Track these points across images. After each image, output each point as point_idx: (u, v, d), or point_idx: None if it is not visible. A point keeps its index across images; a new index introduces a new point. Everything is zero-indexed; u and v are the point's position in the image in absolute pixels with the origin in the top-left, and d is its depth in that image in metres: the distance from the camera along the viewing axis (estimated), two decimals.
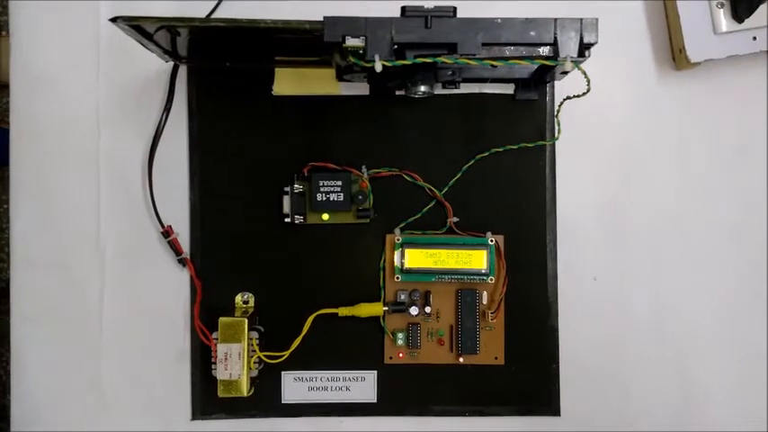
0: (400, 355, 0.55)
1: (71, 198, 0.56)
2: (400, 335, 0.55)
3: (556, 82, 0.56)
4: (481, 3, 0.50)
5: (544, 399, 0.56)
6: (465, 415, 0.56)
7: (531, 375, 0.56)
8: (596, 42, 0.43)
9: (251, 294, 0.55)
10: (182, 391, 0.56)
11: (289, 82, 0.56)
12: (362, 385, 0.56)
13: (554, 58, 0.43)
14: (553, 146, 0.56)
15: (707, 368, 0.57)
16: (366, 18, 0.41)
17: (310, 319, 0.53)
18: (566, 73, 0.51)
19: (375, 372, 0.56)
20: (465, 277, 0.54)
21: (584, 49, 0.43)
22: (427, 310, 0.55)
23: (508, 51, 0.44)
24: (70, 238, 0.56)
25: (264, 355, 0.52)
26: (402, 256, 0.54)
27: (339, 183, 0.54)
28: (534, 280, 0.56)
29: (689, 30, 0.54)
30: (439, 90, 0.55)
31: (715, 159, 0.58)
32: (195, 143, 0.56)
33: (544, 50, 0.44)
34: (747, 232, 0.57)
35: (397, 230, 0.55)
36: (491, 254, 0.54)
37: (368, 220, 0.55)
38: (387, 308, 0.54)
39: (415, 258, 0.54)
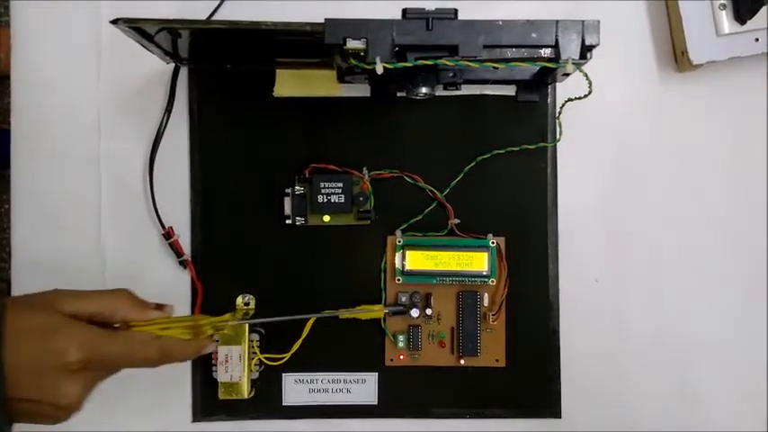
0: (401, 357, 0.55)
1: (72, 199, 0.56)
2: (401, 337, 0.55)
3: (557, 83, 0.55)
4: (482, 4, 0.50)
5: (545, 401, 0.56)
6: (466, 417, 0.56)
7: (532, 377, 0.56)
8: (598, 44, 0.42)
9: (252, 296, 0.55)
10: (182, 392, 0.56)
11: (290, 83, 0.56)
12: (363, 387, 0.56)
13: (555, 60, 0.43)
14: (554, 148, 0.56)
15: (708, 370, 0.57)
16: (367, 20, 0.41)
17: (311, 320, 0.53)
18: (567, 75, 0.50)
19: (376, 374, 0.56)
20: (466, 279, 0.54)
21: (585, 50, 0.43)
22: (428, 312, 0.54)
23: (509, 53, 0.44)
24: (71, 240, 0.56)
25: (265, 357, 0.52)
26: (403, 257, 0.54)
27: (340, 184, 0.54)
28: (535, 282, 0.56)
29: (691, 31, 0.54)
30: (440, 92, 0.55)
31: (717, 161, 0.57)
32: (196, 145, 0.56)
33: (545, 52, 0.44)
34: (748, 233, 0.57)
35: (398, 232, 0.55)
36: (492, 256, 0.54)
37: (369, 222, 0.55)
38: (387, 310, 0.54)
39: (416, 260, 0.54)
